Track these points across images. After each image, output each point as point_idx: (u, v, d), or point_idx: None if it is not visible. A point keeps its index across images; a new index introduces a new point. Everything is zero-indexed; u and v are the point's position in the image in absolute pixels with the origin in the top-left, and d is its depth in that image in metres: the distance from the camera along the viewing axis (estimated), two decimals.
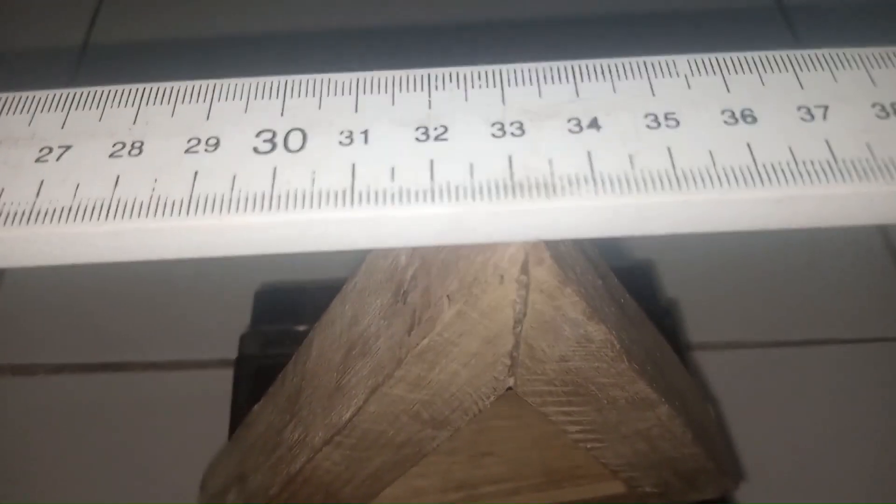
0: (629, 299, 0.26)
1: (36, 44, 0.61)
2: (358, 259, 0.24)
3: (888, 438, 0.38)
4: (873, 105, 0.16)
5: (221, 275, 0.43)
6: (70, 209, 0.16)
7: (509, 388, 0.22)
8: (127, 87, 0.18)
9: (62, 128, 0.17)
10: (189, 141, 0.17)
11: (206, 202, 0.16)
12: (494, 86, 0.18)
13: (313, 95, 0.18)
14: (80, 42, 0.60)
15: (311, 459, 0.24)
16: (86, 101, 0.18)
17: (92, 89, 0.18)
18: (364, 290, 0.23)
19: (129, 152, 0.17)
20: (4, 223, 0.16)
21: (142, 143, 0.17)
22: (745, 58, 0.18)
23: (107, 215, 0.16)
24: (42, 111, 0.18)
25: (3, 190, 0.16)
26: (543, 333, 0.20)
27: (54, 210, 0.16)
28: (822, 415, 0.39)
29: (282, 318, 0.39)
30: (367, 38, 0.56)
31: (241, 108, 0.17)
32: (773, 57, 0.18)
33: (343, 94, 0.18)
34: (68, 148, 0.17)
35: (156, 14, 0.61)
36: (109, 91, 0.18)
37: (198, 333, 0.43)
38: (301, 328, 0.39)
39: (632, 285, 0.28)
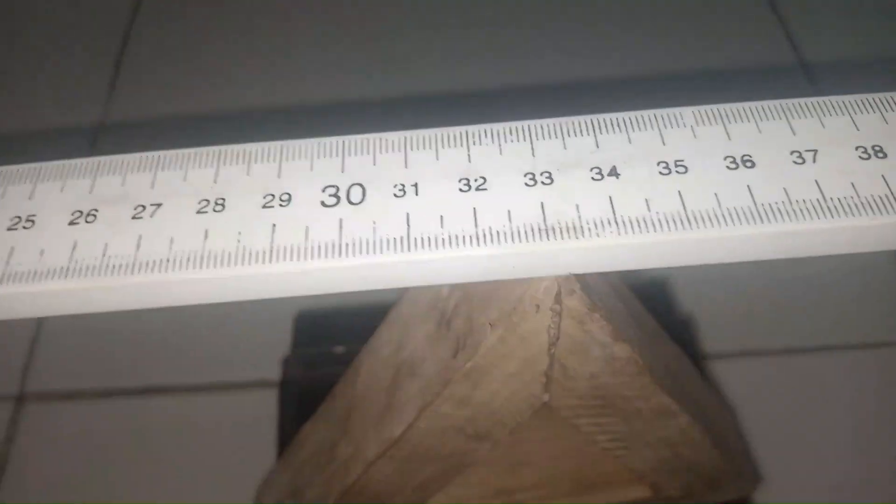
0: (648, 317, 0.29)
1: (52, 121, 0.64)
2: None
3: None
4: (857, 148, 0.19)
5: (260, 301, 0.45)
6: (167, 260, 0.19)
7: (544, 404, 0.24)
8: (205, 149, 0.21)
9: (152, 188, 0.20)
10: (265, 197, 0.19)
11: (284, 251, 0.18)
12: (525, 139, 0.20)
13: (368, 153, 0.20)
14: (96, 119, 0.63)
15: (365, 472, 0.27)
16: (170, 163, 0.21)
17: (176, 152, 0.21)
18: (408, 318, 0.26)
19: (214, 209, 0.19)
20: (111, 273, 0.19)
21: (224, 200, 0.20)
22: (743, 108, 0.20)
23: (200, 264, 0.18)
24: (132, 172, 0.20)
25: (106, 245, 0.19)
26: (575, 354, 0.22)
27: (153, 262, 0.19)
28: (836, 418, 0.42)
29: (320, 341, 0.42)
30: (413, 103, 0.59)
31: (307, 166, 0.20)
32: (768, 106, 0.20)
33: (394, 150, 0.20)
34: (159, 206, 0.20)
35: (167, 92, 0.65)
36: (191, 153, 0.21)
37: (239, 356, 0.45)
38: (339, 350, 0.41)
39: (650, 301, 0.30)
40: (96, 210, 0.20)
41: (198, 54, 0.68)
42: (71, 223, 0.19)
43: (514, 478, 0.33)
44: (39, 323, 0.53)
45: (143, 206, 0.20)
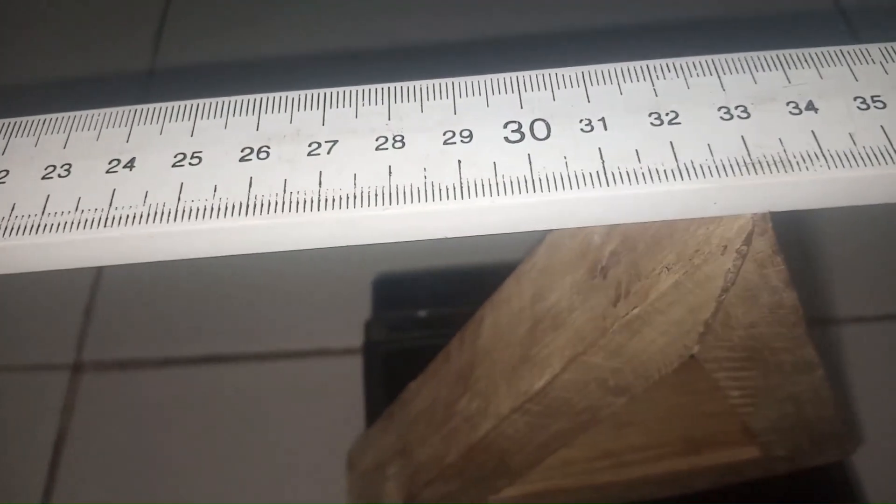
0: None
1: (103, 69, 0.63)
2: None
3: None
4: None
5: (335, 266, 0.45)
6: (353, 196, 0.18)
7: (692, 356, 0.24)
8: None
9: (322, 124, 0.19)
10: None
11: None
12: (712, 74, 0.19)
13: (546, 88, 0.20)
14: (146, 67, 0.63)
15: (496, 427, 0.26)
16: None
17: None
18: (547, 268, 0.25)
19: (393, 144, 0.19)
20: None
21: (335, 142, 0.19)
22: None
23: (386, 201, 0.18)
24: (301, 109, 0.20)
25: (287, 181, 0.18)
26: (743, 301, 0.21)
27: (336, 197, 0.18)
28: None
29: (402, 305, 0.41)
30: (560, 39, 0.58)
31: (482, 103, 0.19)
32: None
33: (575, 85, 0.19)
34: (335, 143, 0.19)
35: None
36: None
37: (317, 322, 0.45)
38: (421, 313, 0.41)
39: None
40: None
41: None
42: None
43: (620, 440, 0.32)
44: (93, 290, 0.52)
45: (318, 143, 0.19)
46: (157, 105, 0.20)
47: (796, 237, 0.46)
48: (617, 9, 0.60)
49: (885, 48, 0.20)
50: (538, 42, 0.58)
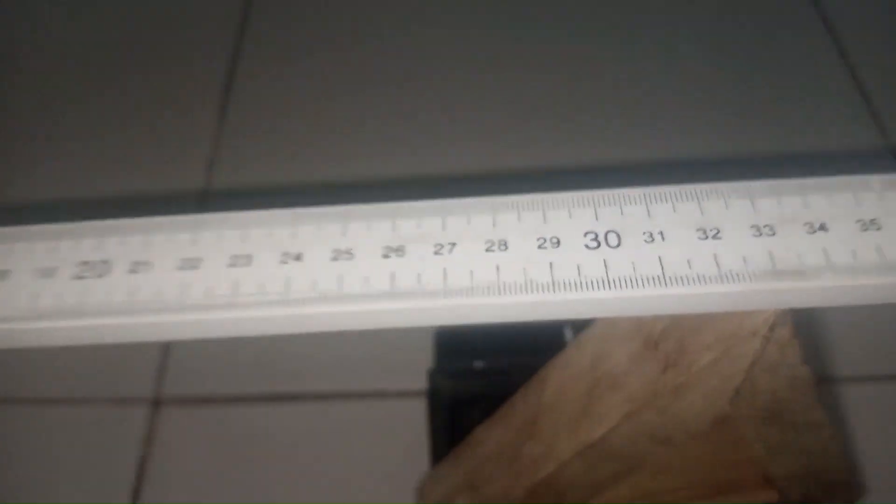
0: None
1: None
2: None
3: None
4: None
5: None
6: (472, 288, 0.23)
7: (726, 414, 0.29)
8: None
9: (443, 230, 0.25)
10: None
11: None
12: (746, 198, 0.25)
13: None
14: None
15: (558, 469, 0.32)
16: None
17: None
18: (606, 337, 0.31)
19: (499, 248, 0.24)
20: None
21: (454, 245, 0.24)
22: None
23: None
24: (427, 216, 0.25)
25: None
26: (766, 373, 0.27)
27: (458, 288, 0.24)
28: None
29: (461, 356, 0.47)
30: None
31: (566, 215, 0.25)
32: None
33: (638, 203, 0.25)
34: (454, 245, 0.25)
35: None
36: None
37: (381, 368, 0.50)
38: (479, 365, 0.46)
39: None
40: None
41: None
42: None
43: (658, 482, 0.38)
44: None
45: (442, 245, 0.25)
46: (314, 210, 0.26)
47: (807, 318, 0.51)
48: (671, 146, 0.67)
49: (883, 179, 0.25)
50: (609, 168, 0.65)
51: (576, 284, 0.23)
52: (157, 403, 0.55)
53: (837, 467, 0.36)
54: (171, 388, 0.56)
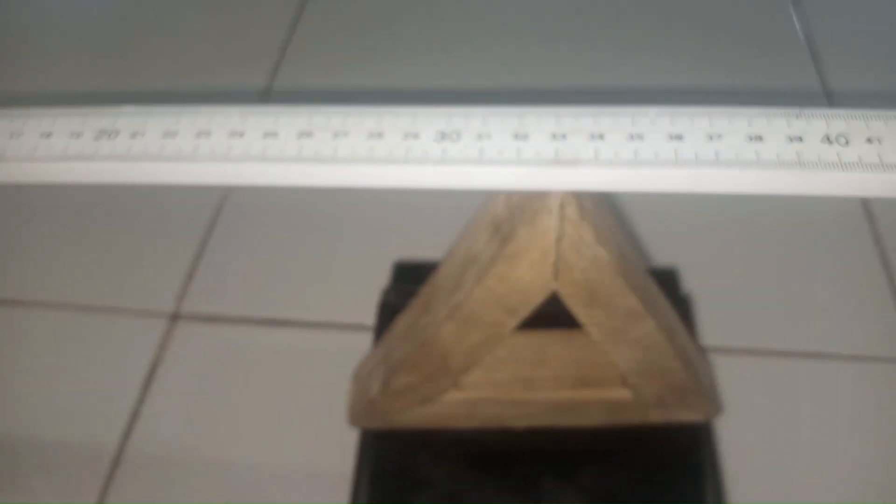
0: (638, 257, 0.43)
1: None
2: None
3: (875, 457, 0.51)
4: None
5: (362, 251, 0.61)
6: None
7: (554, 291, 0.39)
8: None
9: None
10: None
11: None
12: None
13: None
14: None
15: (436, 330, 0.41)
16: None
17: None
18: (473, 230, 0.41)
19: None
20: None
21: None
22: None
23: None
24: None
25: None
26: (573, 252, 0.36)
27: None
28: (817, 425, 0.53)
29: (414, 282, 0.57)
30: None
31: None
32: None
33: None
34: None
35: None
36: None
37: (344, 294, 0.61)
38: None
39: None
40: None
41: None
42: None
43: (533, 371, 0.47)
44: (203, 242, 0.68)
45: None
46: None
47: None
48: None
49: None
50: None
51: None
52: (174, 318, 0.65)
53: (677, 368, 0.44)
54: (190, 305, 0.65)
